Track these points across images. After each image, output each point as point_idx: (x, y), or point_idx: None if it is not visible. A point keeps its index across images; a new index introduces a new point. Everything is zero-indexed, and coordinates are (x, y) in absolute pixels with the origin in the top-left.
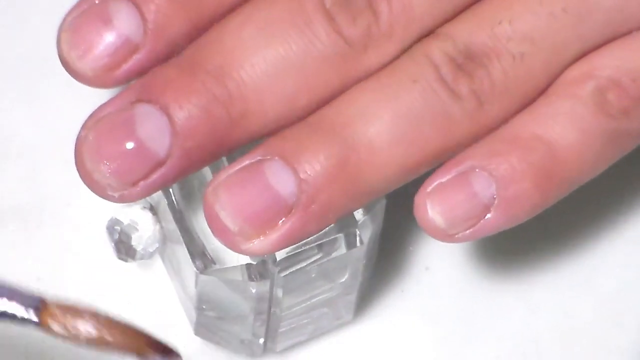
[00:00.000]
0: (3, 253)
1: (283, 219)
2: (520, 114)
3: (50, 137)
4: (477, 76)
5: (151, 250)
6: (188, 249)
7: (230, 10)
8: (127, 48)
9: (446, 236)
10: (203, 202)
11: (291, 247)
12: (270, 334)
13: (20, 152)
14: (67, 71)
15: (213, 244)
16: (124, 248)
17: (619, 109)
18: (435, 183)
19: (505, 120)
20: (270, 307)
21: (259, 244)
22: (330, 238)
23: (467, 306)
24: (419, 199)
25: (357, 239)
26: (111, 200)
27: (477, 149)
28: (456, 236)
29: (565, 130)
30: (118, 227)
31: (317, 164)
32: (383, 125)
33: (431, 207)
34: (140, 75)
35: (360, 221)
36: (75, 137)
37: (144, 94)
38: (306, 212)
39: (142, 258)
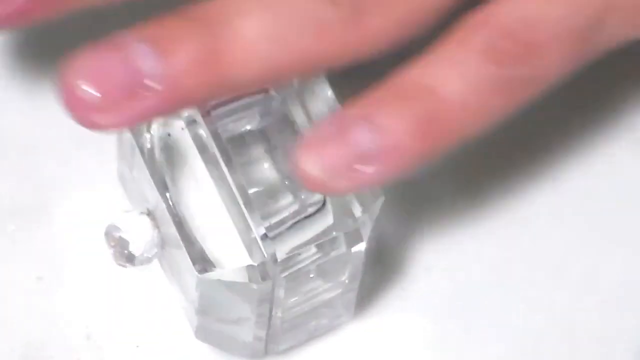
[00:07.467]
0: (3, 253)
1: (140, 94)
2: (409, 63)
3: (50, 136)
4: None
5: (150, 255)
6: (188, 253)
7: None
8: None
9: (325, 187)
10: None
11: (291, 247)
12: (272, 335)
13: (20, 152)
14: None
15: (212, 247)
16: (122, 254)
17: (508, 57)
18: (314, 133)
19: (387, 35)
20: (271, 309)
21: (113, 116)
22: (329, 237)
23: (467, 306)
24: (298, 151)
25: (357, 237)
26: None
27: (359, 99)
28: (336, 187)
29: (450, 78)
30: (116, 234)
31: (183, 52)
32: (255, 20)
33: (307, 157)
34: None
35: (360, 219)
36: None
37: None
38: (164, 93)
39: (141, 264)
